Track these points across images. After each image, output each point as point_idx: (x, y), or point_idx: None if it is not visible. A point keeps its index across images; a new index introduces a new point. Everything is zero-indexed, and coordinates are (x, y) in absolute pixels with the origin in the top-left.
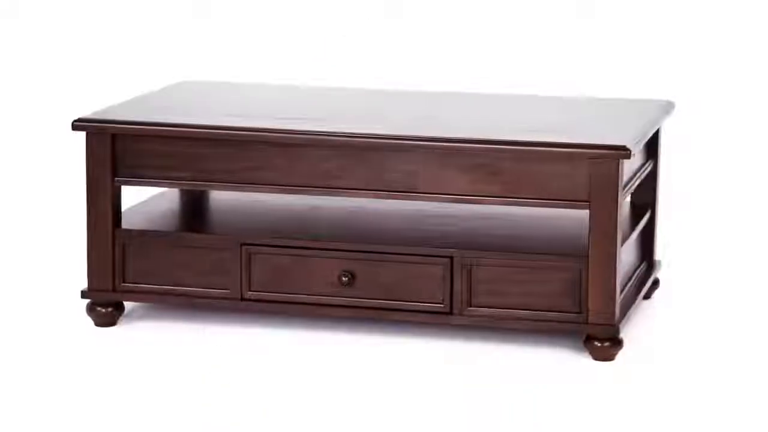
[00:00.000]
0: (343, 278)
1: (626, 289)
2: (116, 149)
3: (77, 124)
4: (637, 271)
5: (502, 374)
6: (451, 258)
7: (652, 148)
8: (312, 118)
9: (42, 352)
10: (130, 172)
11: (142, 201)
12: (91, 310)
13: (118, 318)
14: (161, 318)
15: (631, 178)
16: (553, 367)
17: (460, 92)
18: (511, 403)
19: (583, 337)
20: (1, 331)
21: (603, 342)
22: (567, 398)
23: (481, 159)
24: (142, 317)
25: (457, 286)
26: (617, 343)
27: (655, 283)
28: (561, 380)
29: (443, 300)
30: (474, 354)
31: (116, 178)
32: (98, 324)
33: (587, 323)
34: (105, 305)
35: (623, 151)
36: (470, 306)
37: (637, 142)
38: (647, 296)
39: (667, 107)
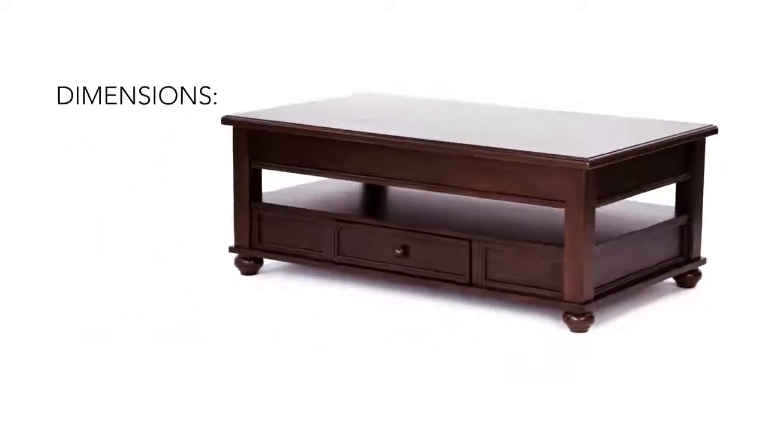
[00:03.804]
0: (397, 251)
1: (628, 276)
2: (252, 141)
3: (225, 120)
4: (665, 263)
5: (496, 336)
6: (470, 241)
7: (689, 162)
8: (394, 124)
9: (198, 294)
10: (262, 158)
11: (316, 182)
12: (237, 262)
13: (258, 269)
14: (291, 270)
15: (633, 186)
16: (535, 335)
17: (527, 108)
18: (492, 362)
19: (562, 313)
20: (170, 278)
21: (578, 317)
22: (541, 362)
23: (486, 162)
24: (277, 269)
25: (475, 264)
26: (589, 319)
27: (698, 275)
28: (541, 346)
29: (465, 274)
30: (484, 319)
31: (252, 162)
32: (243, 273)
33: (563, 301)
34: (248, 258)
35: (583, 163)
36: (486, 280)
37: (609, 158)
38: (691, 285)
39: (695, 129)
